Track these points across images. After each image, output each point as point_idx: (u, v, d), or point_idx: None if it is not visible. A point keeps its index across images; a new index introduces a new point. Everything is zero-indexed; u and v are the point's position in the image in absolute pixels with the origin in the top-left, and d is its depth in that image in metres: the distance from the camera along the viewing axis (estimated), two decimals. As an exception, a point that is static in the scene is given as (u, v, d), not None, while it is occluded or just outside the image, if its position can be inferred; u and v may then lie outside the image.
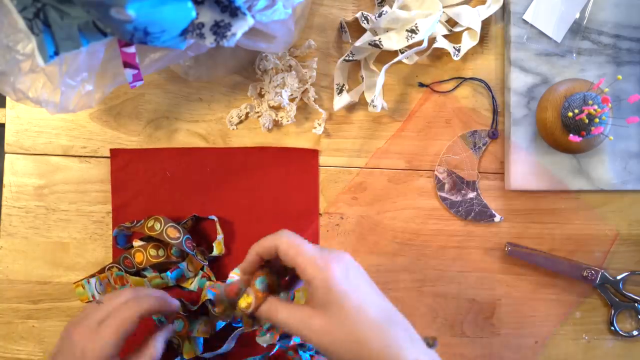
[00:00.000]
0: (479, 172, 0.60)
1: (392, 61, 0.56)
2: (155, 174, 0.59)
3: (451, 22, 0.60)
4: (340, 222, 0.60)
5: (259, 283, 0.41)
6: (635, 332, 0.60)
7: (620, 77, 0.52)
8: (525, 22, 0.58)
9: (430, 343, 0.40)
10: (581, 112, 0.51)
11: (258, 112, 0.60)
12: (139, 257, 0.56)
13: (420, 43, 0.55)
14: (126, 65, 0.45)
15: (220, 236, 0.58)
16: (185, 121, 0.60)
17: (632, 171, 0.59)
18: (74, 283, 0.58)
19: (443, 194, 0.60)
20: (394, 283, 0.60)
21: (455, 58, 0.58)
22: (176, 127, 0.60)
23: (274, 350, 0.58)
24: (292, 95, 0.59)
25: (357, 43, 0.56)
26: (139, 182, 0.59)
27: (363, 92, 0.59)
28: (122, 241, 0.59)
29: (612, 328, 0.60)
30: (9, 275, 0.59)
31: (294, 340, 0.53)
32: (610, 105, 0.51)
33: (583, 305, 0.61)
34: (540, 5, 0.58)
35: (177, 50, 0.47)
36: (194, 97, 0.60)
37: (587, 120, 0.51)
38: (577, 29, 0.58)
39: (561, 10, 0.58)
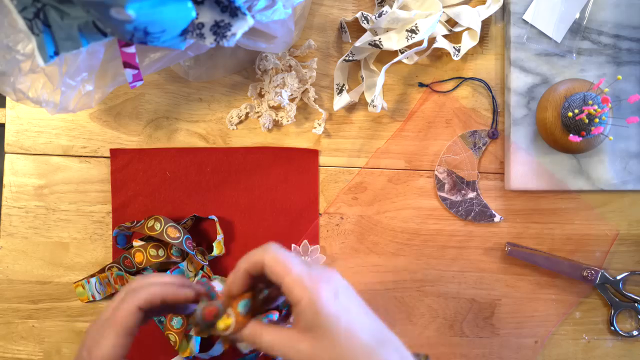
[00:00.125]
0: (479, 172, 0.60)
1: (392, 61, 0.56)
2: (155, 174, 0.59)
3: (451, 22, 0.60)
4: (340, 222, 0.60)
5: (241, 306, 0.38)
6: (635, 332, 0.60)
7: (620, 77, 0.52)
8: (525, 22, 0.58)
9: None
10: (581, 112, 0.51)
11: (258, 112, 0.60)
12: (139, 257, 0.56)
13: (420, 43, 0.55)
14: (126, 65, 0.45)
15: (220, 236, 0.58)
16: (185, 121, 0.60)
17: (632, 171, 0.59)
18: (74, 283, 0.58)
19: (443, 194, 0.60)
20: (394, 283, 0.60)
21: (455, 58, 0.58)
22: (176, 127, 0.60)
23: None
24: (292, 95, 0.58)
25: (357, 43, 0.56)
26: (138, 182, 0.59)
27: (363, 92, 0.59)
28: (122, 241, 0.59)
29: (612, 328, 0.60)
30: (9, 275, 0.59)
31: None
32: (610, 105, 0.51)
33: (583, 305, 0.61)
34: (540, 5, 0.58)
35: (177, 50, 0.47)
36: (194, 97, 0.60)
37: (587, 120, 0.51)
38: (577, 29, 0.58)
39: (561, 10, 0.58)
